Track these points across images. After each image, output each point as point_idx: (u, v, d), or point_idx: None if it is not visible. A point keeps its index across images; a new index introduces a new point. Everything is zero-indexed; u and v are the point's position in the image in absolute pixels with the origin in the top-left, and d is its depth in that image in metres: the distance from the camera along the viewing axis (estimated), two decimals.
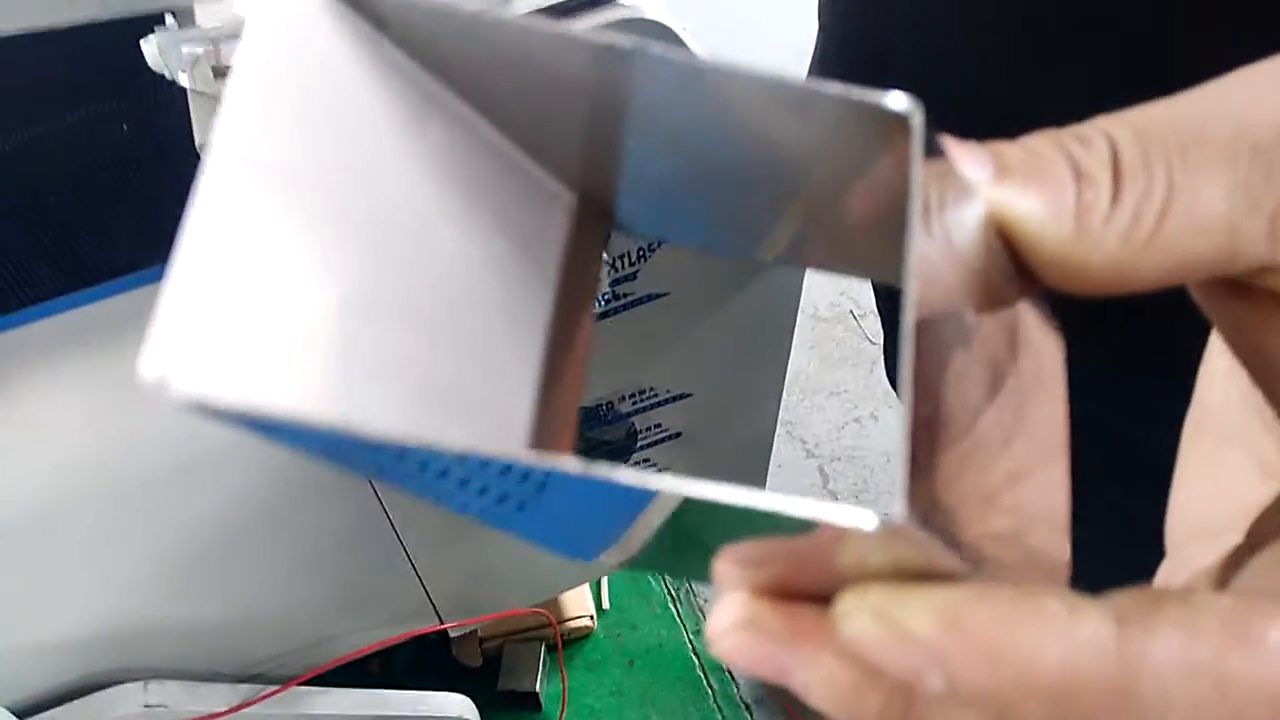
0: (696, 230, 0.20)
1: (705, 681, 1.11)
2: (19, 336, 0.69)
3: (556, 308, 0.19)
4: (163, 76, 0.57)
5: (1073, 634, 0.15)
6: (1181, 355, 0.22)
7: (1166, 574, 0.20)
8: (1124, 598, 0.15)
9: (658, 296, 0.74)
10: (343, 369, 0.15)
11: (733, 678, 1.11)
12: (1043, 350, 0.19)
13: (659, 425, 0.86)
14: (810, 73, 0.61)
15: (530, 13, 0.58)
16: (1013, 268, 0.17)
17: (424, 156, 0.17)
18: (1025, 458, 0.18)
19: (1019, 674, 0.14)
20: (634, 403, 0.82)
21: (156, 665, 0.81)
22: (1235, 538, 0.19)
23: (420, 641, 0.97)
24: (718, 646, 0.17)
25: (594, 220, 0.20)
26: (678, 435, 0.87)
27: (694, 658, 1.13)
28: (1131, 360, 0.50)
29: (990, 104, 0.45)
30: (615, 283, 0.71)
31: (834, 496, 1.24)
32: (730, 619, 0.17)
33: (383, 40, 0.16)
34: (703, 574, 0.18)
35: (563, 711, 1.08)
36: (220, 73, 0.55)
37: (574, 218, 0.19)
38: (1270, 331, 0.18)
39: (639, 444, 0.86)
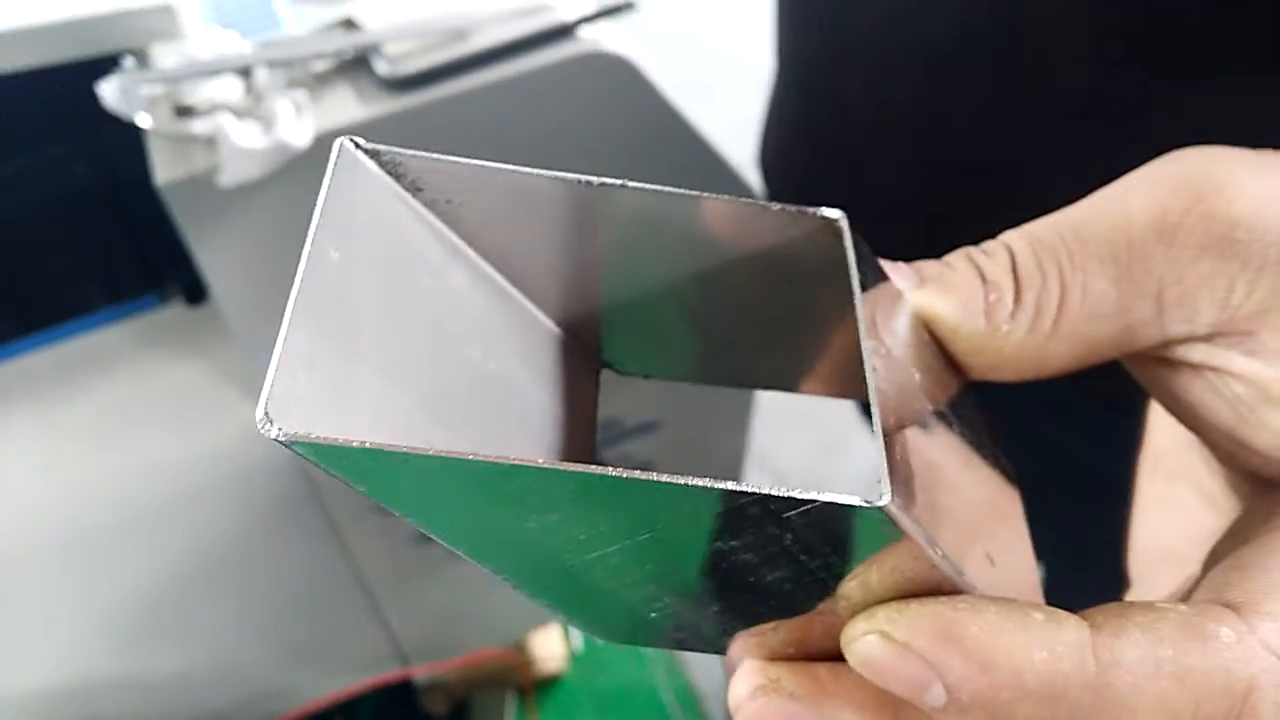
0: (681, 362, 0.23)
1: None
2: None
3: (564, 428, 0.22)
4: (116, 118, 0.56)
5: (1055, 639, 0.16)
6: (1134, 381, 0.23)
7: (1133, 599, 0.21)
8: (1096, 610, 0.17)
9: None
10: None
11: (707, 719, 1.10)
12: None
13: (626, 456, 0.85)
14: (769, 116, 0.62)
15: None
16: (944, 362, 0.20)
17: (448, 293, 0.20)
18: (990, 521, 0.20)
19: (1010, 678, 0.16)
20: (601, 433, 0.81)
21: (111, 716, 0.78)
22: (1193, 567, 0.21)
23: (386, 691, 0.95)
24: (743, 713, 0.18)
25: (584, 358, 0.23)
26: (646, 465, 0.86)
27: (666, 699, 1.12)
28: (1091, 386, 0.51)
29: (945, 151, 0.46)
30: None
31: None
32: (751, 685, 0.18)
33: (415, 200, 0.20)
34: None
35: None
36: (181, 111, 0.54)
37: (566, 353, 0.22)
38: (1188, 390, 0.21)
39: None
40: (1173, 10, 0.36)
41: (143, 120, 0.54)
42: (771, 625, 0.18)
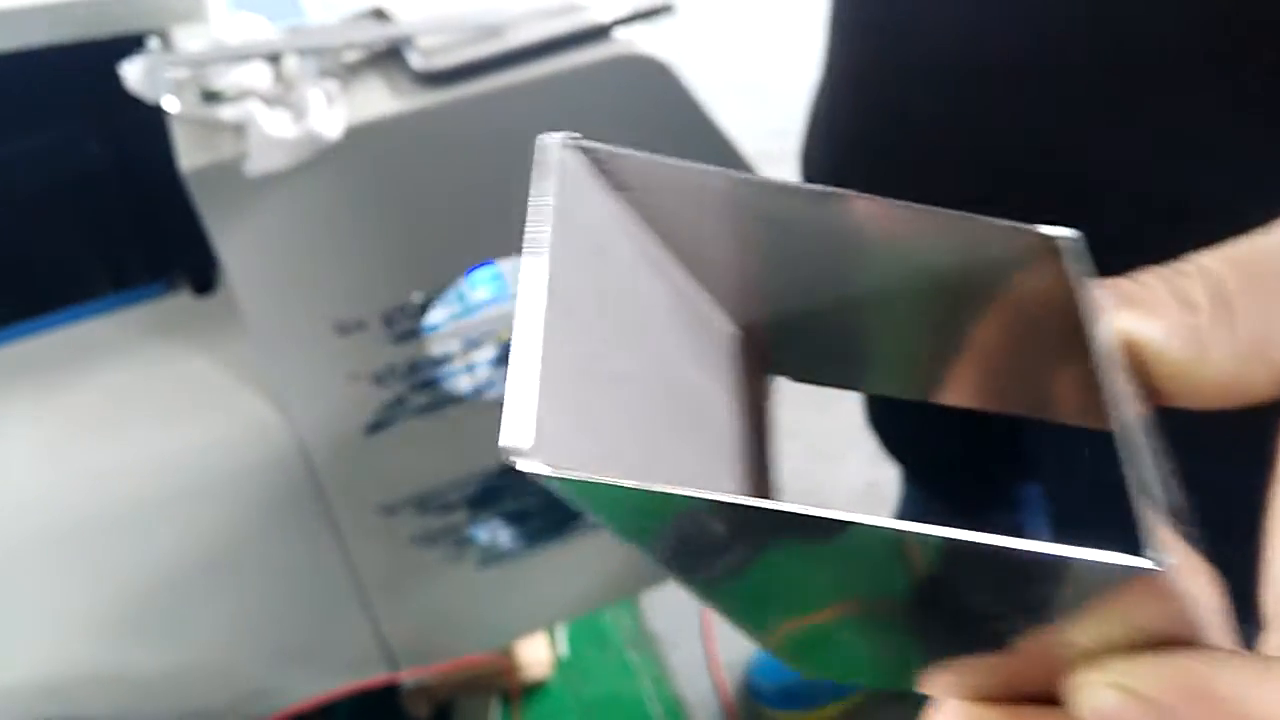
0: (856, 371, 0.23)
1: None
2: None
3: (745, 432, 0.21)
4: (134, 101, 0.55)
5: None
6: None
7: (1273, 647, 0.21)
8: None
9: None
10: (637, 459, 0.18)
11: None
12: None
13: None
14: (814, 125, 0.61)
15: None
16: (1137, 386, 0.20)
17: (645, 298, 0.20)
18: None
19: None
20: None
21: (95, 714, 0.76)
22: None
23: (367, 693, 0.93)
24: None
25: (756, 363, 0.22)
26: None
27: (652, 709, 1.11)
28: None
29: (1014, 170, 0.45)
30: None
31: None
32: None
33: (621, 200, 0.20)
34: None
35: None
36: (209, 97, 0.52)
37: (741, 358, 0.22)
38: None
39: None
40: (1264, 40, 0.36)
41: (169, 104, 0.53)
42: (976, 663, 0.17)
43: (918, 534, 0.14)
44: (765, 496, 0.20)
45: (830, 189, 0.18)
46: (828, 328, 0.21)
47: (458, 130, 0.56)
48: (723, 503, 0.14)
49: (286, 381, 0.64)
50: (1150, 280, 0.20)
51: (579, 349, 0.17)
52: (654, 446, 0.18)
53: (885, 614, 0.17)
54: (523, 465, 0.14)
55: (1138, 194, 0.42)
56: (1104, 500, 0.53)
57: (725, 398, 0.21)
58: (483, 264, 0.63)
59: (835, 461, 1.25)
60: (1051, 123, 0.42)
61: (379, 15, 0.58)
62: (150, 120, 0.57)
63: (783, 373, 0.23)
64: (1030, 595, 0.15)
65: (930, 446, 0.73)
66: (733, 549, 0.16)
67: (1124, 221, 0.40)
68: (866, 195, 0.18)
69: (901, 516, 0.90)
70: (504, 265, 0.69)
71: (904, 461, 0.84)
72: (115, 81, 0.54)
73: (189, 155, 0.52)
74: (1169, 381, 0.19)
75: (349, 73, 0.56)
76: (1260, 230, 0.20)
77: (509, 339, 0.65)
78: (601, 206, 0.19)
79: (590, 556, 0.92)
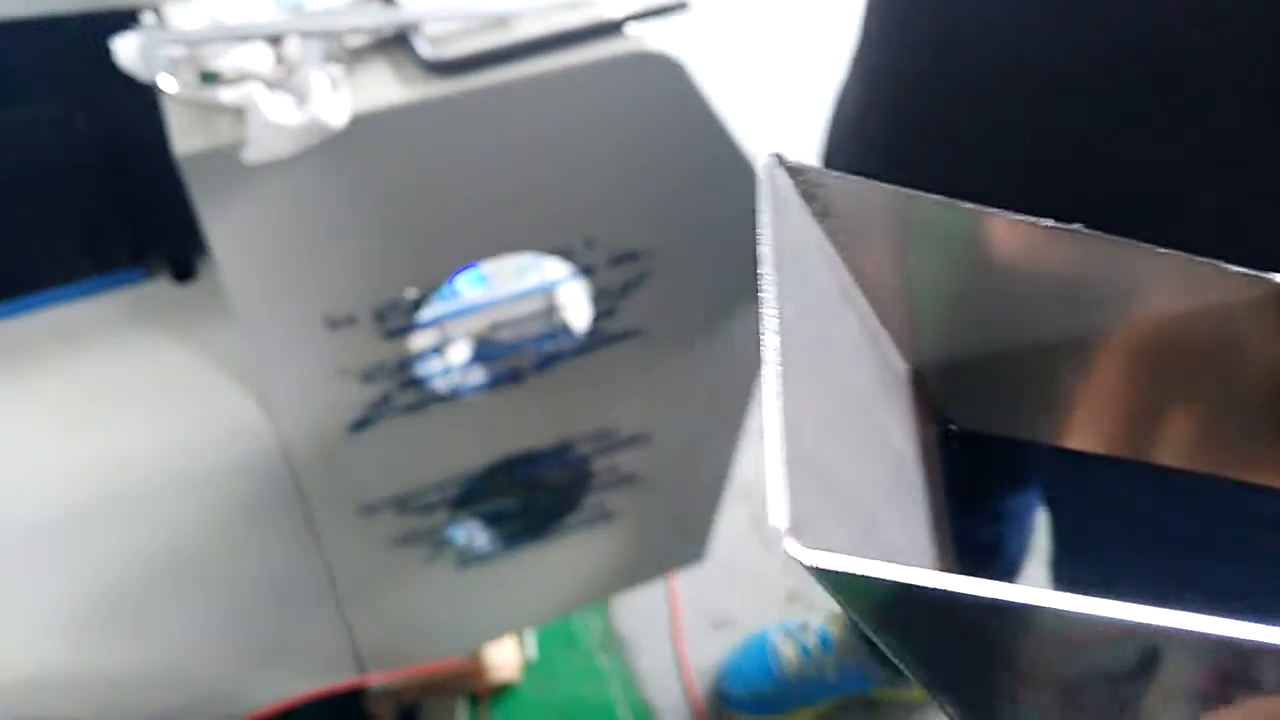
0: (1034, 422, 0.22)
1: None
2: None
3: (925, 480, 0.21)
4: (123, 78, 0.52)
5: None
6: None
7: None
8: None
9: (632, 335, 0.71)
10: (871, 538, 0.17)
11: None
12: None
13: (615, 468, 0.82)
14: (837, 129, 0.59)
15: (537, 39, 0.55)
16: None
17: (847, 342, 0.19)
18: None
19: None
20: (593, 444, 0.79)
21: (62, 715, 0.73)
22: None
23: (331, 695, 0.91)
24: None
25: (927, 408, 0.22)
26: (631, 478, 0.84)
27: (621, 714, 1.09)
28: None
29: (1055, 186, 0.44)
30: (596, 318, 0.68)
31: (765, 542, 1.22)
32: None
33: (820, 227, 0.19)
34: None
35: None
36: (207, 78, 0.50)
37: (915, 402, 0.21)
38: None
39: (593, 486, 0.83)
40: None
41: (165, 83, 0.50)
42: None
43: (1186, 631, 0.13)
44: (949, 551, 0.19)
45: (1037, 220, 0.17)
46: (1007, 374, 0.20)
47: (464, 123, 0.54)
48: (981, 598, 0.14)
49: (272, 376, 0.61)
50: None
51: (809, 407, 0.16)
52: (877, 509, 0.17)
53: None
54: (795, 553, 0.13)
55: (1175, 211, 0.41)
56: (1117, 516, 0.53)
57: (910, 446, 0.20)
58: (474, 264, 0.61)
59: None
60: (1095, 141, 0.42)
61: (384, 0, 0.56)
62: (138, 101, 0.55)
63: (952, 419, 0.21)
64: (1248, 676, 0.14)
65: None
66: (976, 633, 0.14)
67: (1170, 237, 0.40)
68: (1084, 230, 0.17)
69: None
70: (490, 266, 0.67)
71: None
72: (105, 59, 0.52)
73: (184, 139, 0.50)
74: None
75: (353, 58, 0.54)
76: None
77: (485, 335, 0.62)
78: (807, 232, 0.18)
79: (565, 560, 0.90)
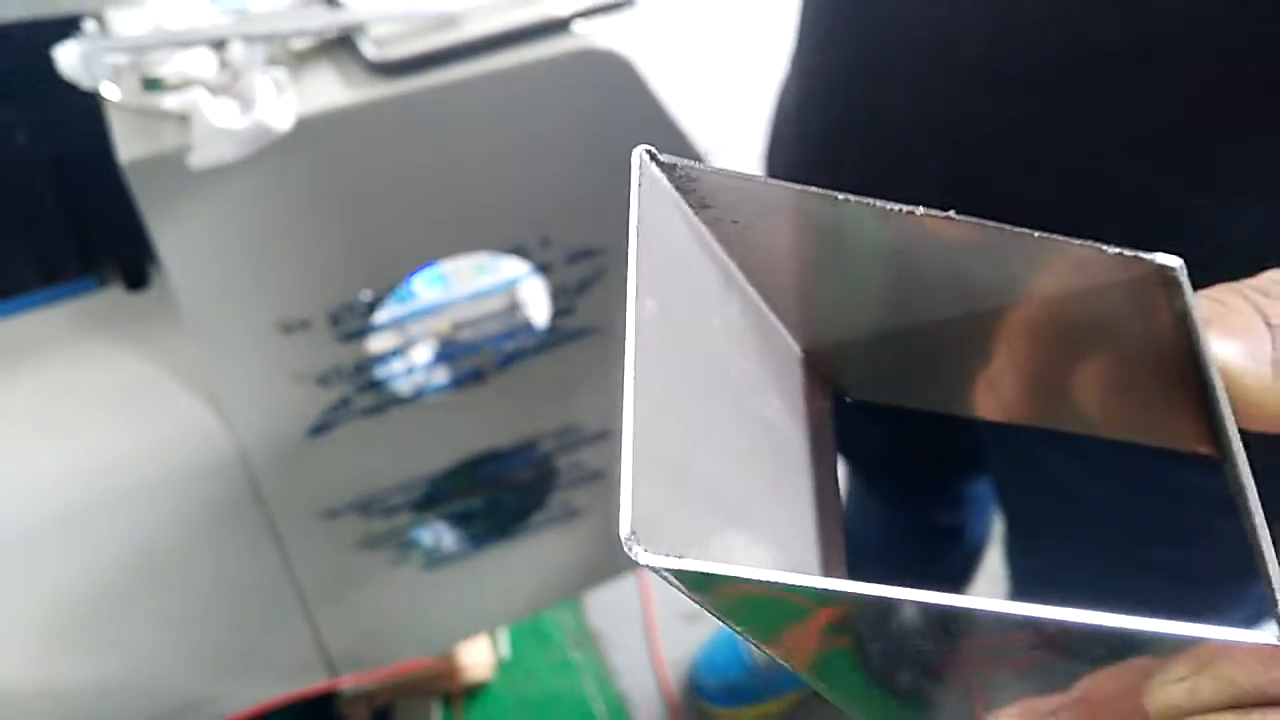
0: (928, 392, 0.22)
1: None
2: None
3: (812, 456, 0.21)
4: (65, 87, 0.52)
5: None
6: None
7: None
8: None
9: (591, 331, 0.71)
10: (723, 524, 0.17)
11: None
12: None
13: (579, 464, 0.82)
14: (779, 124, 0.60)
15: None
16: None
17: (730, 331, 0.19)
18: None
19: None
20: (557, 441, 0.79)
21: None
22: None
23: (303, 699, 0.91)
24: None
25: (820, 384, 0.22)
26: (597, 474, 0.84)
27: (596, 709, 1.10)
28: None
29: (983, 175, 0.45)
30: (555, 316, 0.68)
31: None
32: None
33: (698, 219, 0.19)
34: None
35: None
36: (150, 84, 0.50)
37: (807, 380, 0.22)
38: None
39: (558, 484, 0.83)
40: (1256, 59, 0.36)
41: (108, 91, 0.50)
42: (1045, 704, 0.17)
43: (1030, 617, 0.14)
44: (837, 535, 0.20)
45: (911, 209, 0.18)
46: (900, 349, 0.20)
47: (412, 123, 0.54)
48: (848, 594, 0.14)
49: (227, 382, 0.61)
50: (1227, 298, 0.19)
51: (671, 406, 0.16)
52: (746, 497, 0.17)
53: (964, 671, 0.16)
54: (631, 553, 0.14)
55: (1111, 195, 0.42)
56: (1063, 502, 0.53)
57: (797, 425, 0.20)
58: (429, 264, 0.61)
59: None
60: (1025, 125, 0.42)
61: (330, 1, 0.56)
62: (81, 108, 0.54)
63: (845, 392, 0.22)
64: (1130, 654, 0.15)
65: (868, 439, 0.73)
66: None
67: (1098, 224, 0.40)
68: (956, 217, 0.17)
69: (847, 513, 0.90)
70: (449, 266, 0.67)
71: (841, 453, 0.84)
72: (46, 67, 0.51)
73: (128, 146, 0.49)
74: (1250, 408, 0.18)
75: (298, 61, 0.54)
76: None
77: (446, 336, 0.62)
78: (683, 225, 0.18)
79: (534, 558, 0.90)
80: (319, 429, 0.67)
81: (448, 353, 0.71)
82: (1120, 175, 0.41)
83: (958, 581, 0.84)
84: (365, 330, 0.62)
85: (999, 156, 0.43)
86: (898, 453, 0.77)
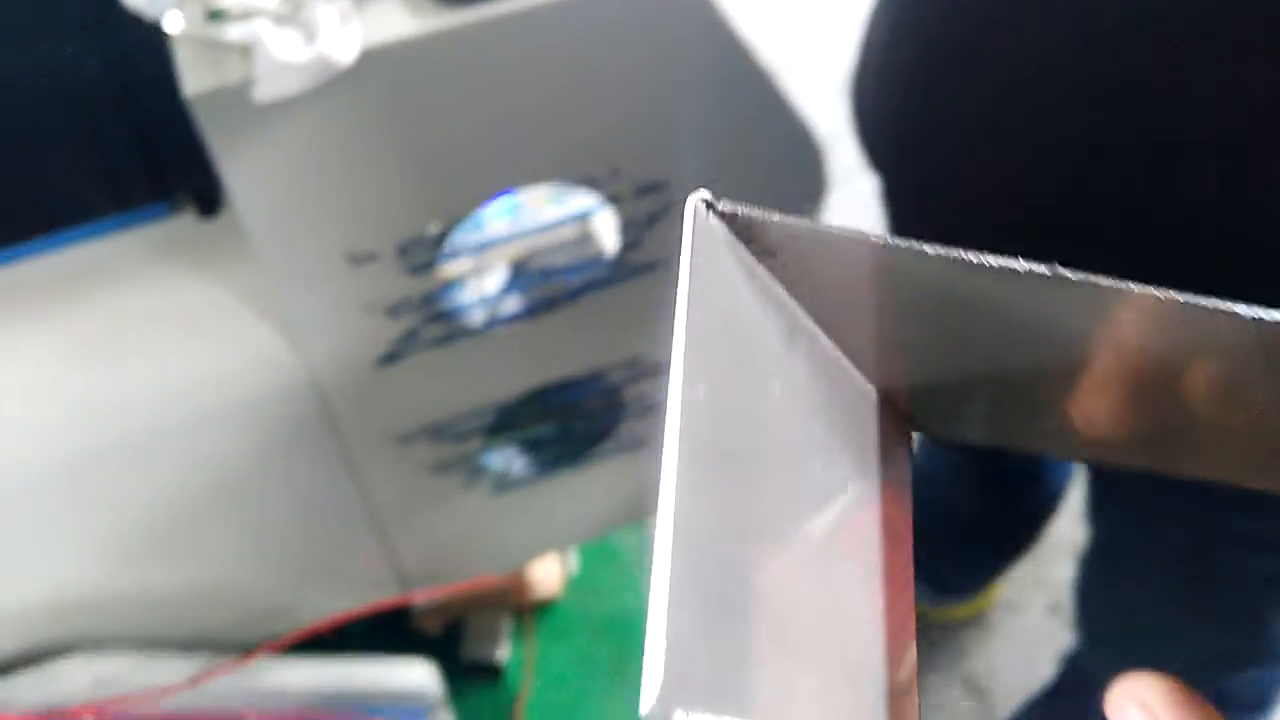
0: (1009, 434, 0.21)
1: None
2: None
3: (883, 522, 0.20)
4: (136, 16, 0.51)
5: None
6: None
7: None
8: None
9: (659, 265, 0.69)
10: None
11: None
12: None
13: (645, 396, 0.82)
14: (870, 45, 0.56)
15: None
16: None
17: (793, 392, 0.18)
18: None
19: None
20: (624, 373, 0.78)
21: (106, 635, 0.76)
22: None
23: (379, 611, 0.93)
24: None
25: (899, 422, 0.21)
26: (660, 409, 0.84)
27: None
28: None
29: (1083, 128, 0.41)
30: (624, 249, 0.67)
31: None
32: None
33: (762, 267, 0.18)
34: None
35: (528, 681, 1.05)
36: (214, 15, 0.49)
37: (883, 419, 0.21)
38: None
39: (626, 414, 0.83)
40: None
41: (170, 22, 0.49)
42: None
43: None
44: (907, 606, 0.19)
45: (1017, 265, 0.16)
46: (990, 391, 0.19)
47: (479, 54, 0.53)
48: None
49: (296, 313, 0.61)
50: None
51: (716, 522, 0.15)
52: (795, 608, 0.16)
53: None
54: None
55: (1207, 195, 0.39)
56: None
57: (869, 481, 0.19)
58: (497, 196, 0.60)
59: None
60: (1128, 84, 0.39)
61: None
62: (152, 37, 0.54)
63: (928, 432, 0.21)
64: None
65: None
66: None
67: (1188, 189, 0.37)
68: (1047, 270, 0.16)
69: (917, 459, 0.88)
70: (520, 197, 0.66)
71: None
72: None
73: (192, 78, 0.49)
74: None
75: None
76: None
77: (518, 264, 0.61)
78: (743, 278, 0.17)
79: (602, 484, 0.91)
80: (389, 358, 0.67)
81: (517, 284, 0.70)
82: (1219, 155, 0.38)
83: (1031, 529, 0.82)
84: (433, 262, 0.62)
85: (1105, 110, 0.40)
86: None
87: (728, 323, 0.17)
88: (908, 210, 0.62)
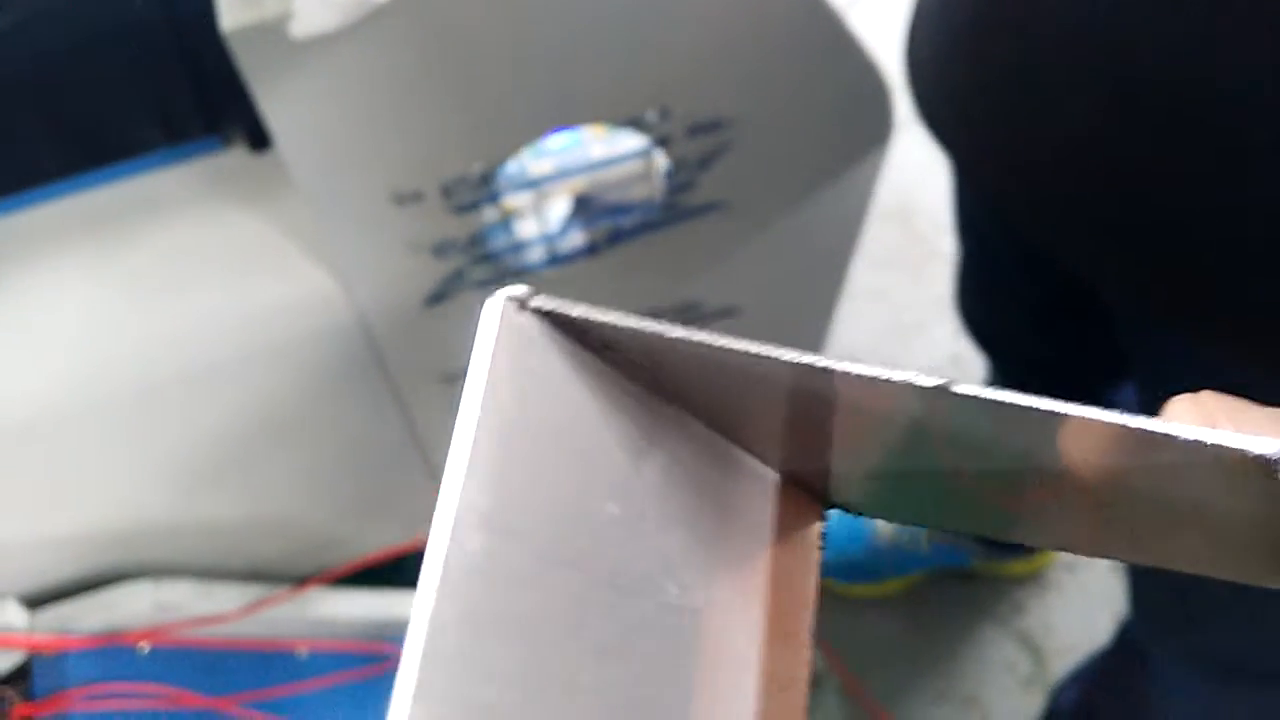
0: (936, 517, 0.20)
1: None
2: (25, 222, 0.63)
3: (770, 618, 0.18)
4: None
5: None
6: None
7: None
8: None
9: (715, 207, 0.67)
10: None
11: None
12: None
13: None
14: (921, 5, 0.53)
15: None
16: None
17: (640, 488, 0.16)
18: None
19: None
20: (679, 317, 0.77)
21: (167, 562, 0.78)
22: None
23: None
24: None
25: (807, 502, 0.19)
26: None
27: None
28: None
29: (1150, 86, 0.38)
30: (672, 192, 0.65)
31: None
32: None
33: (600, 363, 0.16)
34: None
35: None
36: None
37: (781, 500, 0.19)
38: None
39: None
40: None
41: None
42: None
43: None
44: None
45: (907, 379, 0.14)
46: (919, 483, 0.17)
47: None
48: None
49: (343, 252, 0.61)
50: None
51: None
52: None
53: None
54: None
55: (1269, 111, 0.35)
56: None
57: (751, 565, 0.17)
58: (541, 137, 0.58)
59: (919, 332, 1.20)
60: (1183, 38, 0.36)
61: None
62: None
63: (845, 508, 0.19)
64: None
65: (1019, 344, 0.68)
66: None
67: (1252, 139, 0.34)
68: (968, 391, 0.14)
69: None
70: (561, 140, 0.65)
71: (991, 353, 0.79)
72: None
73: (230, 13, 0.48)
74: None
75: None
76: None
77: (580, 194, 0.59)
78: (571, 380, 0.15)
79: None
80: (436, 298, 0.66)
81: (579, 219, 0.69)
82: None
83: None
84: (478, 203, 0.61)
85: (1160, 76, 0.37)
86: (1047, 353, 0.72)
87: (540, 442, 0.14)
88: (961, 168, 0.59)
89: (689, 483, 0.17)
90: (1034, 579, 1.02)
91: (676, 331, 0.15)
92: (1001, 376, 0.81)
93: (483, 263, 0.65)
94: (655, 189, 0.68)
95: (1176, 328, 0.44)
